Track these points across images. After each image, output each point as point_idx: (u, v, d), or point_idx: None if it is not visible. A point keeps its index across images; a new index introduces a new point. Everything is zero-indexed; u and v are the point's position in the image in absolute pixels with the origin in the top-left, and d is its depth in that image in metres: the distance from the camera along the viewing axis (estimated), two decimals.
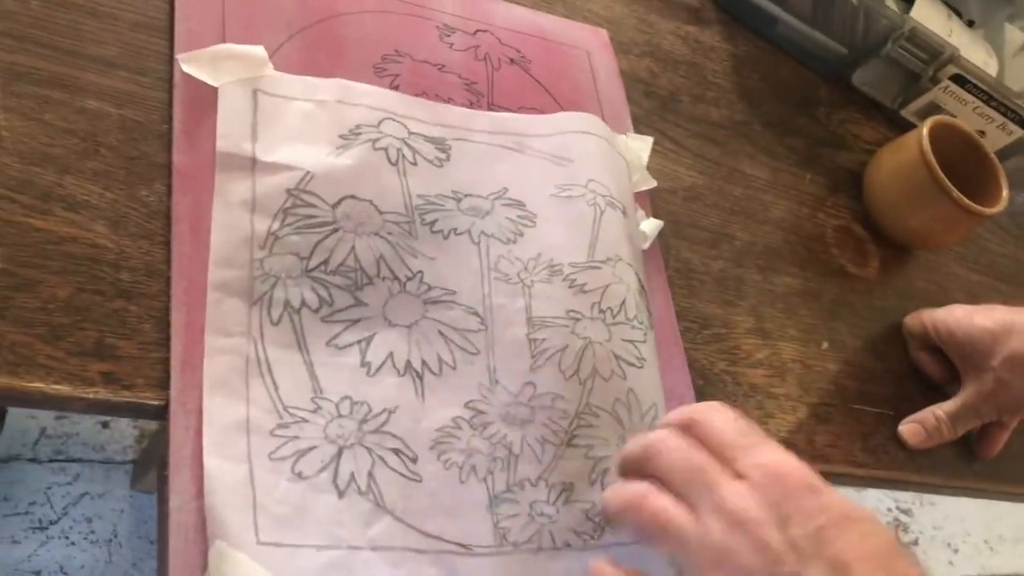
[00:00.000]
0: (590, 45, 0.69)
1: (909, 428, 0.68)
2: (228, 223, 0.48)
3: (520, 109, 0.62)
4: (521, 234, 0.55)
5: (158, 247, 0.47)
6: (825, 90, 0.85)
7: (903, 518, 1.88)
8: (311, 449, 0.45)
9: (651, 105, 0.71)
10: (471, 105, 0.60)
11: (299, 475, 0.44)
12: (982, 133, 0.86)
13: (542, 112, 0.63)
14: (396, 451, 0.48)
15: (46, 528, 1.09)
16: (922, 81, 0.83)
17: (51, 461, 1.13)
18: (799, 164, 0.78)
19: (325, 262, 0.49)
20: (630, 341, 0.55)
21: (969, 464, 0.71)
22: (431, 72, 0.60)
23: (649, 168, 0.66)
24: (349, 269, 0.49)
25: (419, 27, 0.62)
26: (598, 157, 0.60)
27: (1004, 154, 0.87)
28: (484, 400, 0.51)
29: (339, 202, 0.50)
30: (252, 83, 0.51)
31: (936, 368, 0.72)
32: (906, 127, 0.85)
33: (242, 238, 0.48)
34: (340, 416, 0.47)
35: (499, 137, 0.58)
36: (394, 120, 0.54)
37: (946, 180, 0.72)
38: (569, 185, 0.58)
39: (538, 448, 0.51)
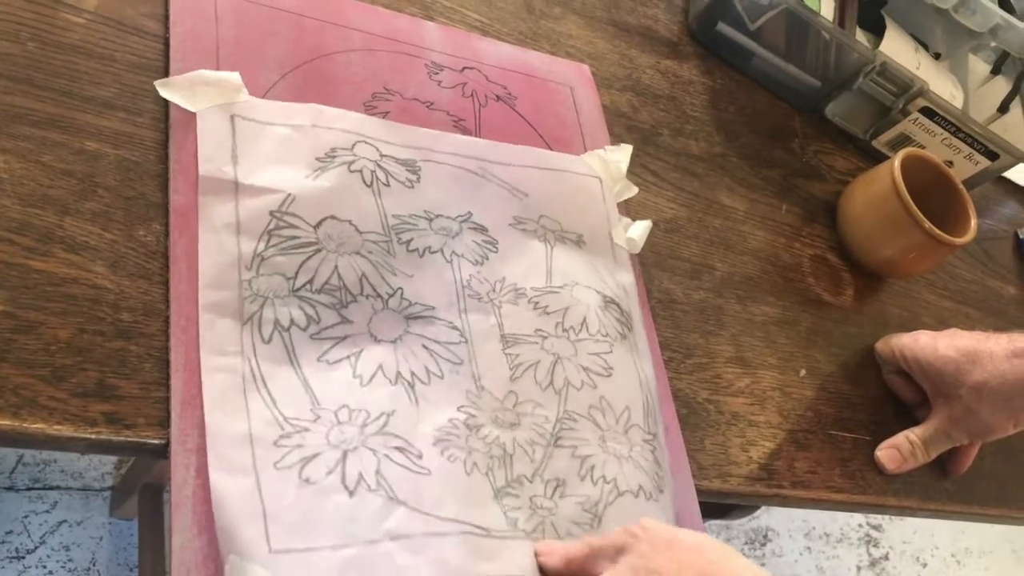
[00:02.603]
0: (573, 81, 0.71)
1: (886, 454, 0.69)
2: (215, 246, 0.49)
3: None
4: (487, 258, 0.59)
5: (156, 287, 0.47)
6: (799, 122, 0.88)
7: (874, 533, 1.90)
8: (316, 455, 0.46)
9: (632, 139, 0.72)
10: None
11: (307, 481, 0.45)
12: (950, 163, 0.88)
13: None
14: (400, 449, 0.49)
15: (23, 557, 1.08)
16: (892, 113, 0.86)
17: (29, 489, 1.12)
18: (775, 195, 0.80)
19: (310, 281, 0.51)
20: (595, 354, 0.59)
21: (942, 487, 0.73)
22: (420, 109, 0.62)
23: (631, 200, 0.67)
24: (333, 288, 0.51)
25: (408, 65, 0.63)
26: (552, 192, 0.63)
27: (971, 183, 0.90)
28: (474, 405, 0.53)
29: (320, 223, 0.52)
30: (229, 108, 0.53)
31: (909, 392, 0.74)
32: (878, 158, 0.88)
33: (229, 260, 0.49)
34: (340, 423, 0.48)
35: (464, 160, 0.61)
36: (366, 143, 0.57)
37: (918, 211, 0.74)
38: (524, 219, 0.61)
39: (528, 449, 0.54)
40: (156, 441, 0.44)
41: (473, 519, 0.49)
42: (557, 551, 0.50)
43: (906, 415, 0.74)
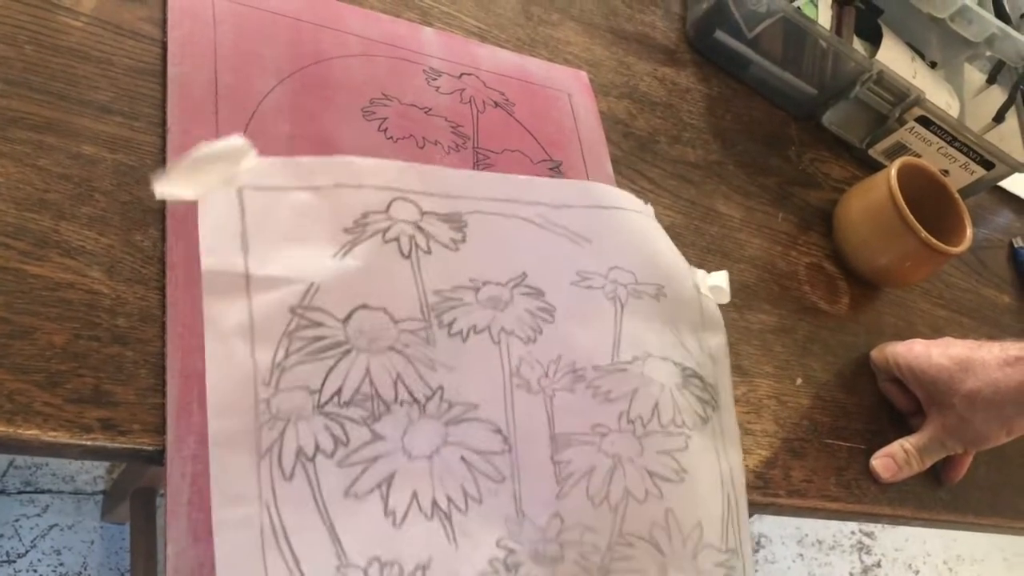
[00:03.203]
0: (571, 87, 0.71)
1: (881, 463, 0.69)
2: (225, 359, 0.42)
3: (504, 151, 0.64)
4: (541, 331, 0.50)
5: (153, 292, 0.47)
6: (796, 130, 0.88)
7: (866, 541, 1.91)
8: None
9: (630, 146, 0.72)
10: (457, 148, 0.62)
11: None
12: (946, 172, 0.88)
13: (525, 154, 0.64)
14: None
15: (14, 561, 1.08)
16: (889, 122, 0.86)
17: (20, 493, 1.11)
18: (771, 203, 0.80)
19: (338, 392, 0.44)
20: (666, 452, 0.51)
21: (937, 496, 0.73)
22: (418, 115, 0.62)
23: None
24: (364, 397, 0.45)
25: (406, 70, 0.63)
26: (622, 236, 0.56)
27: (967, 192, 0.90)
28: (513, 537, 0.46)
29: (350, 316, 0.45)
30: (235, 180, 0.46)
31: (903, 400, 0.74)
32: (874, 166, 0.88)
33: (243, 376, 0.42)
34: None
35: (519, 207, 0.53)
36: (404, 200, 0.49)
37: (914, 220, 0.75)
38: (589, 274, 0.53)
39: None
40: (152, 448, 0.44)
41: None
42: None
43: (901, 424, 0.74)
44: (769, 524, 1.77)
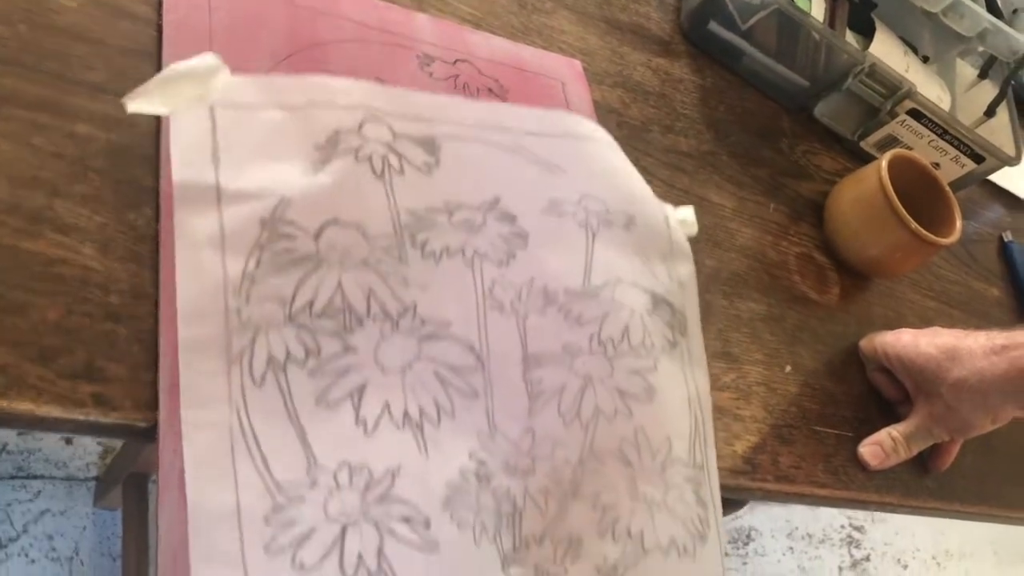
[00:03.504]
0: (565, 76, 0.71)
1: (869, 450, 0.70)
2: (195, 268, 0.43)
3: None
4: (513, 255, 0.51)
5: (146, 270, 0.47)
6: (788, 122, 0.88)
7: (855, 535, 1.92)
8: (311, 533, 0.41)
9: (623, 135, 0.73)
10: None
11: (300, 566, 0.40)
12: (936, 165, 0.89)
13: None
14: (406, 519, 0.43)
15: (5, 546, 1.08)
16: (881, 115, 0.86)
17: (12, 478, 1.12)
18: (763, 193, 0.81)
19: (310, 304, 0.44)
20: (636, 372, 0.52)
21: (923, 484, 0.74)
22: None
23: None
24: (336, 310, 0.45)
25: (400, 56, 0.64)
26: (593, 166, 0.56)
27: (956, 185, 0.90)
28: (485, 449, 0.47)
29: (321, 229, 0.46)
30: (208, 97, 0.46)
31: (891, 389, 0.74)
32: (865, 158, 0.89)
33: (214, 284, 0.43)
34: (339, 488, 0.42)
35: (492, 132, 0.54)
36: (376, 121, 0.49)
37: (904, 211, 0.75)
38: (560, 201, 0.54)
39: (541, 501, 0.47)
40: (143, 424, 0.44)
41: None
42: None
43: (889, 412, 0.75)
44: (759, 517, 1.78)
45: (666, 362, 0.53)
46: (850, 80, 0.84)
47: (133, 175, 0.50)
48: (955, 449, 0.73)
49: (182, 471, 0.43)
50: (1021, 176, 1.10)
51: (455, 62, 0.66)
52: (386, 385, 0.45)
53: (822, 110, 0.89)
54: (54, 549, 1.10)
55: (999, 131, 0.94)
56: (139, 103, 0.45)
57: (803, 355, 0.73)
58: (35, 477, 1.13)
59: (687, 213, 0.60)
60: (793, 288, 0.77)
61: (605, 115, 0.73)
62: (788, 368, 0.71)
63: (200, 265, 0.43)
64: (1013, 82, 0.96)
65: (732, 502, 1.14)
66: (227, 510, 0.40)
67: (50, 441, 1.16)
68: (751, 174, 0.81)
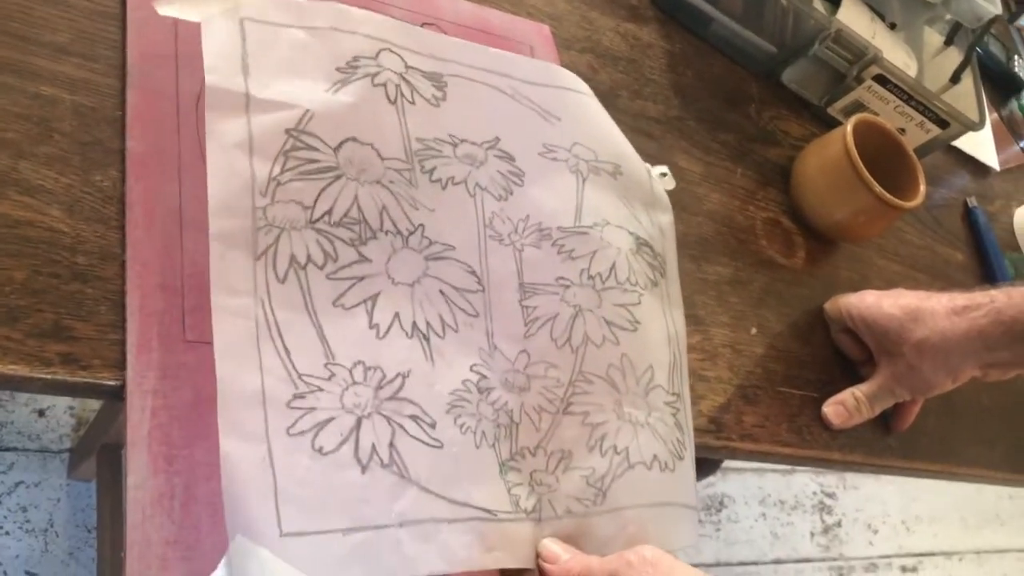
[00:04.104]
0: (533, 40, 0.71)
1: (832, 409, 0.71)
2: (225, 166, 0.45)
3: None
4: (511, 192, 0.55)
5: (113, 231, 0.48)
6: (756, 87, 0.89)
7: (827, 501, 1.95)
8: (329, 421, 0.44)
9: None
10: None
11: (320, 451, 0.43)
12: (902, 131, 0.90)
13: None
14: (414, 418, 0.47)
15: None
16: (847, 80, 0.87)
17: None
18: (731, 159, 0.82)
19: (329, 212, 0.47)
20: (622, 305, 0.56)
21: (886, 443, 0.75)
22: None
23: None
24: (353, 221, 0.48)
25: None
26: (585, 118, 0.60)
27: (922, 151, 0.92)
28: (485, 365, 0.50)
29: (341, 145, 0.48)
30: (237, 11, 0.48)
31: (855, 349, 0.76)
32: (832, 124, 0.90)
33: (242, 183, 0.45)
34: (355, 383, 0.46)
35: (494, 77, 0.57)
36: (391, 52, 0.52)
37: (868, 175, 0.76)
38: (554, 147, 0.57)
39: (535, 416, 0.51)
40: (112, 382, 0.44)
41: (480, 501, 0.47)
42: (559, 565, 0.48)
43: (853, 374, 0.76)
44: (732, 484, 1.80)
45: (648, 298, 0.57)
46: (817, 46, 0.84)
47: (99, 137, 0.50)
48: (916, 409, 0.75)
49: (151, 430, 0.44)
50: (986, 142, 1.12)
51: (422, 25, 0.66)
52: (396, 296, 0.49)
53: (789, 76, 0.89)
54: (28, 521, 1.10)
55: (964, 97, 0.95)
56: (171, 8, 0.48)
57: (769, 318, 0.74)
58: (8, 449, 1.13)
59: (664, 169, 0.65)
60: (760, 252, 0.78)
61: None
62: (754, 330, 0.73)
63: (230, 165, 0.45)
64: (978, 49, 0.97)
65: (704, 466, 1.16)
66: (253, 392, 0.43)
67: (23, 413, 1.16)
68: (719, 139, 0.82)
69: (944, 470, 0.79)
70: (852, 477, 2.01)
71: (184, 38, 0.54)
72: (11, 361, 0.42)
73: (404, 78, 0.52)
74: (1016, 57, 1.23)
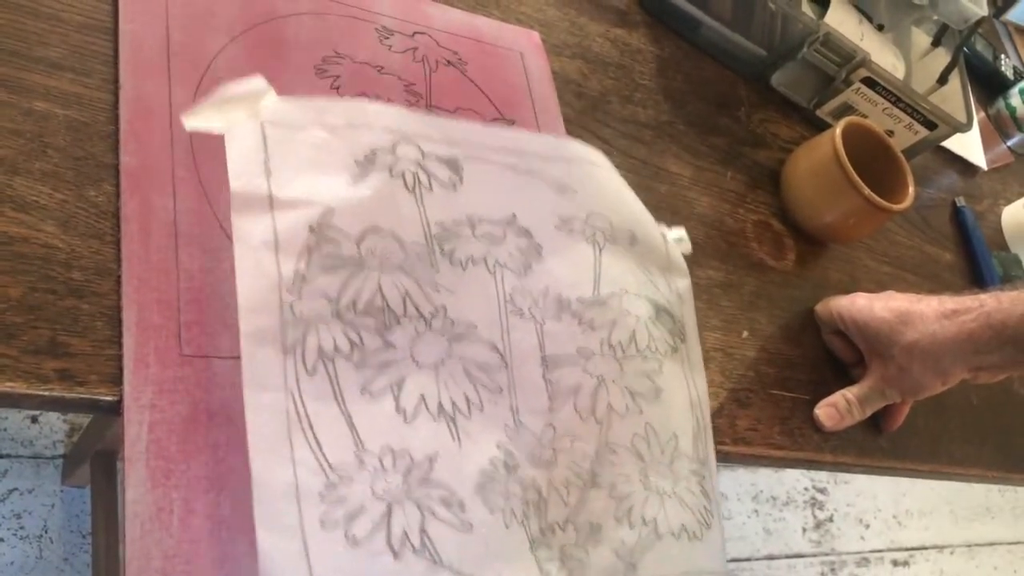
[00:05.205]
0: (523, 47, 0.72)
1: (824, 412, 0.72)
2: (253, 266, 0.46)
3: (457, 110, 0.65)
4: (530, 266, 0.56)
5: (108, 246, 0.48)
6: (745, 91, 0.89)
7: (819, 496, 1.96)
8: (361, 510, 0.45)
9: (582, 106, 0.74)
10: (410, 106, 0.62)
11: (353, 540, 0.44)
12: (891, 133, 0.91)
13: (478, 112, 0.66)
14: (444, 501, 0.48)
15: None
16: (836, 83, 0.88)
17: None
18: (721, 162, 0.82)
19: (354, 302, 0.49)
20: (643, 373, 0.57)
21: (877, 443, 0.76)
22: (371, 73, 0.62)
23: None
24: (377, 309, 0.49)
25: (357, 29, 0.64)
26: (599, 188, 0.61)
27: (910, 152, 0.92)
28: (512, 441, 0.51)
29: (362, 236, 0.50)
30: (258, 116, 0.50)
31: (846, 351, 0.76)
32: (821, 127, 0.90)
33: (270, 282, 0.47)
34: (384, 470, 0.47)
35: (508, 156, 0.58)
36: (407, 141, 0.54)
37: (857, 178, 0.77)
38: (570, 219, 0.59)
39: (563, 490, 0.52)
40: (109, 398, 0.45)
41: None
42: None
43: (844, 376, 0.77)
44: (725, 481, 1.81)
45: (669, 365, 0.58)
46: (805, 49, 0.85)
47: (92, 152, 0.50)
48: (905, 410, 0.76)
49: (149, 445, 0.44)
50: (973, 142, 1.12)
51: (413, 34, 0.66)
52: (422, 378, 0.50)
53: (779, 79, 0.90)
54: (23, 527, 1.10)
55: (951, 98, 0.96)
56: (197, 121, 0.48)
57: (760, 320, 0.75)
58: (1, 456, 1.13)
59: (681, 233, 0.65)
60: (750, 255, 0.79)
61: (564, 86, 0.73)
62: (745, 334, 0.73)
63: (258, 265, 0.47)
64: (965, 50, 0.97)
65: None
66: (287, 487, 0.44)
67: (16, 420, 1.16)
68: (709, 143, 0.82)
69: (934, 469, 0.80)
70: (843, 473, 2.02)
71: (176, 52, 0.55)
72: (8, 378, 0.42)
73: (421, 165, 0.54)
74: (1003, 56, 1.24)
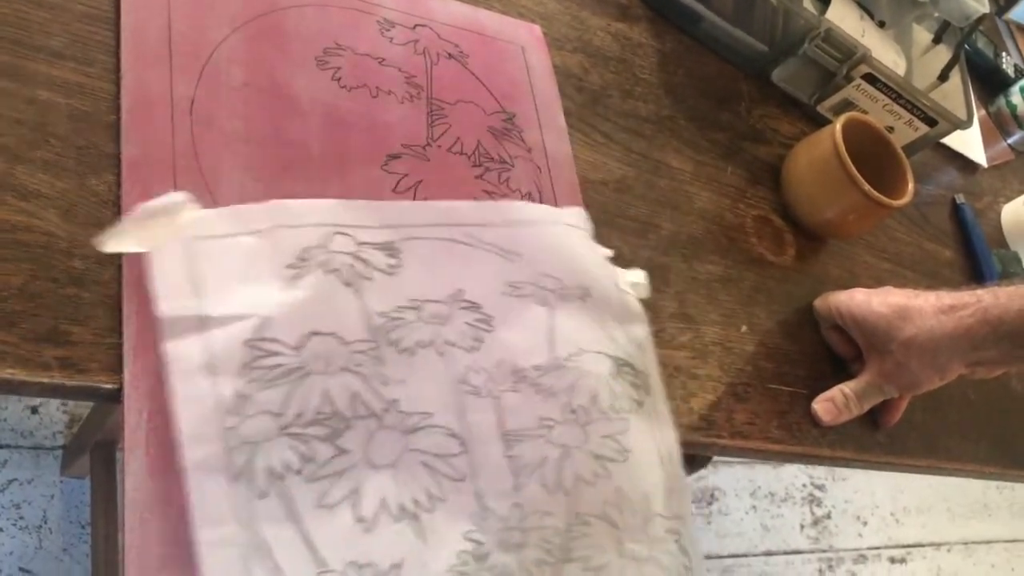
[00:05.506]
0: (525, 41, 0.72)
1: (822, 406, 0.72)
2: (192, 394, 0.45)
3: (458, 103, 0.65)
4: (482, 340, 0.54)
5: None
6: (746, 86, 0.89)
7: (817, 493, 1.96)
8: None
9: (583, 100, 0.74)
10: (411, 99, 0.63)
11: None
12: (891, 129, 0.91)
13: (479, 105, 0.66)
14: None
15: None
16: (836, 79, 0.88)
17: None
18: (721, 157, 0.82)
19: (300, 414, 0.47)
20: (609, 436, 0.55)
21: (875, 438, 0.76)
22: (372, 65, 0.62)
23: (580, 160, 0.69)
24: (325, 416, 0.47)
25: (359, 21, 0.64)
26: (546, 247, 0.59)
27: (911, 149, 0.92)
28: (479, 529, 0.49)
29: (302, 342, 0.48)
30: (182, 232, 0.48)
31: (844, 346, 0.77)
32: (822, 122, 0.90)
33: (211, 407, 0.45)
34: None
35: (447, 230, 0.56)
36: (340, 234, 0.52)
37: (857, 174, 0.77)
38: (518, 283, 0.57)
39: (536, 571, 0.50)
40: (109, 386, 0.45)
41: None
42: None
43: (842, 370, 0.77)
44: (723, 477, 1.82)
45: (635, 422, 0.56)
46: (806, 45, 0.85)
47: (94, 141, 0.50)
48: (903, 405, 0.76)
49: (148, 434, 0.44)
50: (974, 140, 1.13)
51: (415, 27, 0.66)
52: (379, 480, 0.48)
53: (780, 75, 0.90)
54: (22, 518, 1.11)
55: (952, 95, 0.96)
56: (114, 243, 0.47)
57: (759, 315, 0.75)
58: (1, 447, 1.13)
59: (637, 276, 0.63)
60: (750, 250, 0.79)
61: (565, 80, 0.73)
62: (744, 328, 0.73)
63: (196, 391, 0.45)
64: (966, 47, 0.98)
65: (695, 461, 1.17)
66: None
67: (16, 410, 1.16)
68: (709, 138, 0.82)
69: (931, 465, 0.80)
70: (841, 469, 2.03)
71: (178, 42, 0.55)
72: (8, 365, 0.43)
73: (357, 256, 0.52)
74: (1004, 54, 1.24)
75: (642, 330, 0.61)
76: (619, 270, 0.62)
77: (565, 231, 0.61)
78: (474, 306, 0.55)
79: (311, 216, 0.52)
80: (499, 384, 0.53)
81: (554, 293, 0.58)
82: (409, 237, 0.55)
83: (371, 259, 0.52)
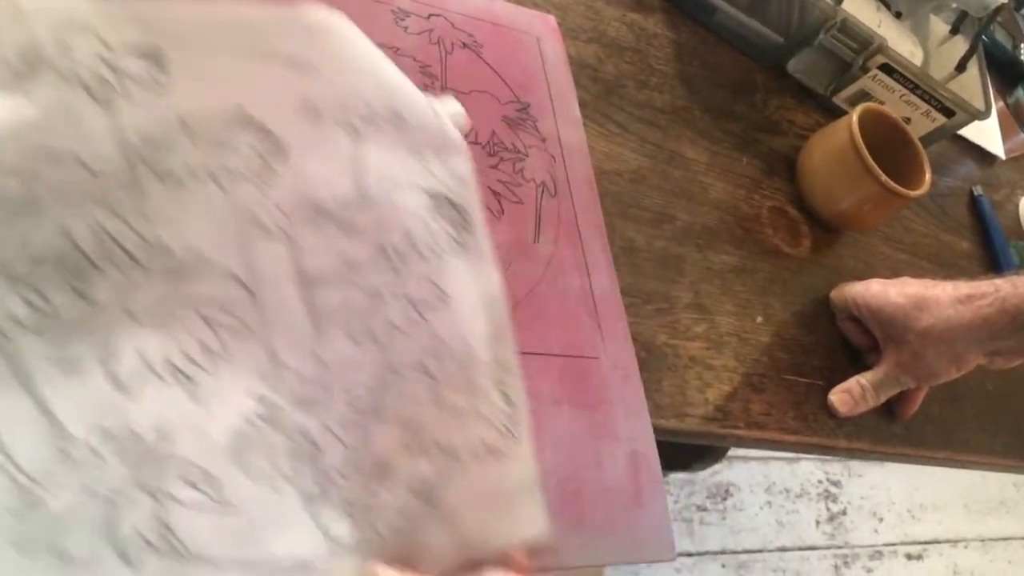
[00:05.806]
0: (540, 31, 0.72)
1: (839, 397, 0.72)
2: None
3: (472, 92, 0.65)
4: (272, 169, 0.44)
5: None
6: (761, 77, 0.89)
7: (832, 489, 1.96)
8: (73, 517, 0.35)
9: (598, 90, 0.74)
10: (425, 88, 0.62)
11: (70, 560, 0.35)
12: (908, 120, 0.90)
13: (494, 95, 0.66)
14: (186, 480, 0.38)
15: None
16: (853, 70, 0.87)
17: None
18: (736, 148, 0.82)
19: (30, 256, 0.37)
20: (425, 277, 0.47)
21: (891, 430, 0.76)
22: (386, 55, 0.62)
23: (595, 150, 0.69)
24: (63, 257, 0.38)
25: (374, 10, 0.64)
26: (348, 61, 0.48)
27: (928, 140, 0.92)
28: (271, 387, 0.42)
29: (29, 166, 0.38)
30: None
31: (861, 337, 0.76)
32: (837, 113, 0.90)
33: None
34: (100, 459, 0.36)
35: (227, 33, 0.44)
36: (83, 33, 0.40)
37: (874, 164, 0.76)
38: (316, 103, 0.46)
39: (341, 432, 0.43)
40: None
41: (289, 553, 0.40)
42: None
43: (858, 361, 0.76)
44: (738, 472, 1.81)
45: (455, 262, 0.49)
46: (822, 35, 0.85)
47: None
48: (920, 396, 0.75)
49: None
50: (992, 131, 1.12)
51: (429, 16, 0.66)
52: (140, 335, 0.39)
53: (795, 65, 0.89)
54: None
55: (969, 85, 0.95)
56: None
57: (774, 306, 0.75)
58: None
59: (455, 106, 0.54)
60: (765, 241, 0.79)
61: (580, 70, 0.73)
62: (759, 319, 0.73)
63: None
64: (984, 37, 0.97)
65: (709, 454, 1.17)
66: None
67: None
68: (724, 129, 0.82)
69: (948, 457, 0.79)
70: (857, 465, 2.02)
71: None
72: None
73: (107, 62, 0.40)
74: (1022, 46, 1.23)
75: (463, 163, 0.52)
76: (432, 97, 0.52)
77: (368, 44, 0.50)
78: (262, 129, 0.44)
79: (43, 2, 0.40)
80: (294, 221, 0.44)
81: (361, 117, 0.47)
82: (180, 43, 0.43)
83: (128, 68, 0.41)
